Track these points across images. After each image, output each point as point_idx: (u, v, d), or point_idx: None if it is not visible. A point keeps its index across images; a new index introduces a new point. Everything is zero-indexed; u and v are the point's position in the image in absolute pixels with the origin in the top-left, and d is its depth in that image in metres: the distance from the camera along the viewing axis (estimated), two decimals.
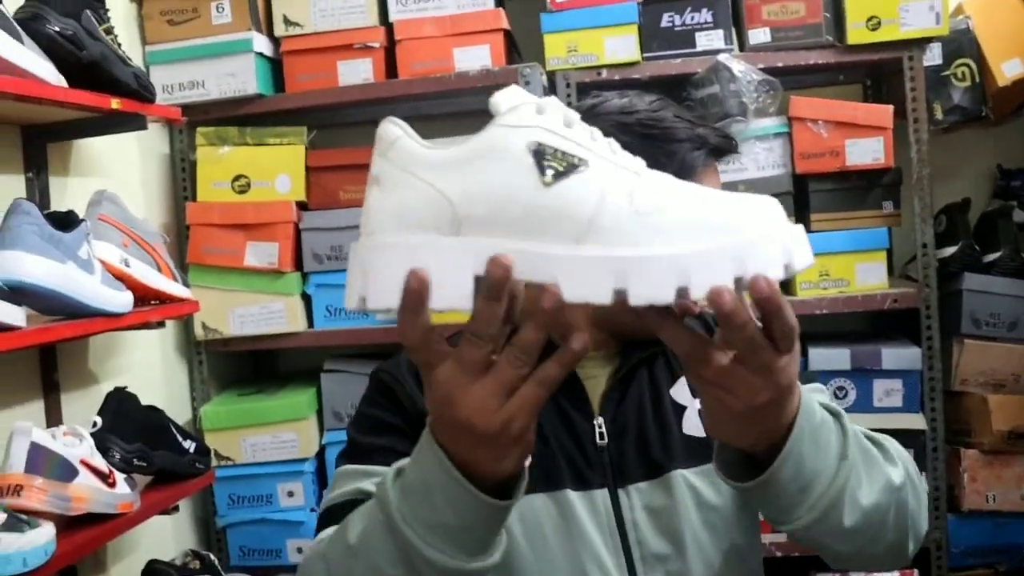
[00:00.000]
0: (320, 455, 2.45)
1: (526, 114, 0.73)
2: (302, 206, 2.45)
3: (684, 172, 1.09)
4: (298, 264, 2.43)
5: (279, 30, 2.44)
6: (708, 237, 0.70)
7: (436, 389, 0.74)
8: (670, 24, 2.39)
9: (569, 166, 0.71)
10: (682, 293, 0.69)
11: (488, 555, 0.80)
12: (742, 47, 2.43)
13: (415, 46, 2.40)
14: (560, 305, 0.69)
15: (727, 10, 2.40)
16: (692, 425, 1.15)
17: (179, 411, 2.39)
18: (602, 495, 1.09)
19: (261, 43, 2.41)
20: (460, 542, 0.78)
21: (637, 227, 0.70)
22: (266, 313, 2.39)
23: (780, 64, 2.38)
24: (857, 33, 2.36)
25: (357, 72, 2.42)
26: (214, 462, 2.33)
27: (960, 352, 2.45)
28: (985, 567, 2.46)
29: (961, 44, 2.51)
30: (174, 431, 2.01)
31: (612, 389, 1.14)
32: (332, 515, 1.00)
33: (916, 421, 2.37)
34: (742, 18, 2.41)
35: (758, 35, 2.40)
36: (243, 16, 2.38)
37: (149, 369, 2.31)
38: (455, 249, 0.71)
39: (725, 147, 1.15)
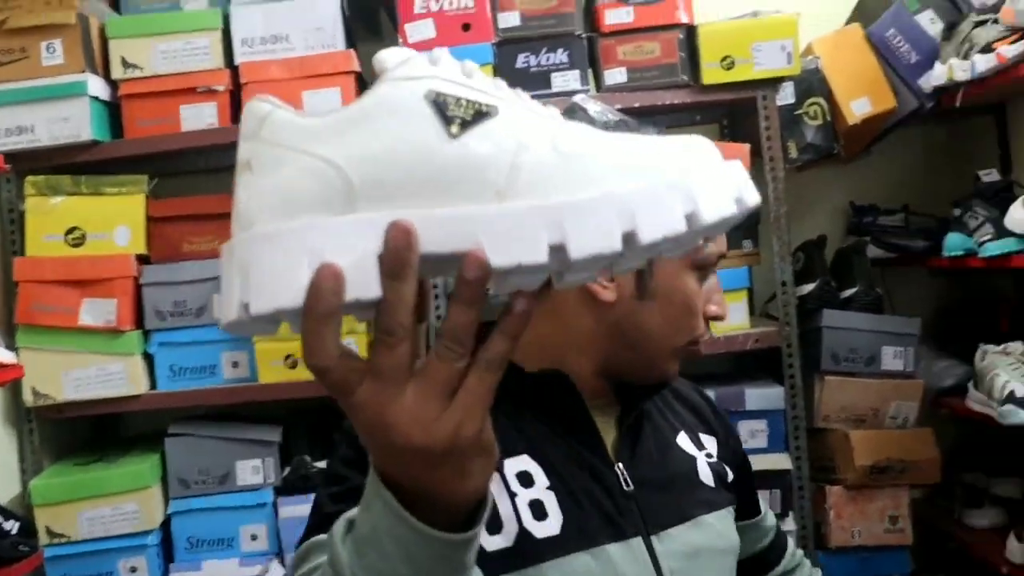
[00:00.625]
0: (165, 526, 2.29)
1: (419, 65, 0.61)
2: (143, 259, 2.30)
3: None
4: (139, 322, 2.28)
5: (117, 72, 2.31)
6: (649, 175, 0.60)
7: (360, 415, 0.59)
8: (525, 65, 2.35)
9: (476, 114, 0.60)
10: (630, 239, 0.58)
11: None
12: (599, 87, 2.41)
13: (262, 89, 2.28)
14: (485, 272, 0.57)
15: (583, 51, 2.37)
16: (704, 474, 1.17)
17: (7, 485, 2.21)
18: (638, 543, 1.05)
19: (97, 86, 2.27)
20: None
21: (566, 172, 0.60)
22: (104, 375, 2.23)
23: (637, 104, 2.36)
24: (712, 73, 2.36)
25: (201, 116, 2.30)
26: (45, 540, 2.16)
27: (821, 389, 2.46)
28: None
29: (812, 83, 2.54)
30: None
31: (624, 435, 1.13)
32: None
33: (781, 461, 2.36)
34: (598, 59, 2.39)
35: (614, 75, 2.38)
36: (76, 57, 2.24)
37: None
38: (353, 227, 0.58)
39: None
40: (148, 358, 2.29)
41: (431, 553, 0.62)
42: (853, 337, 2.47)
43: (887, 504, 2.45)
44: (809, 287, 2.52)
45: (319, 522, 0.95)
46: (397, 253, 0.56)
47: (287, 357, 2.22)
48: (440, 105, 0.60)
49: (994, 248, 2.23)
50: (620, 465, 1.09)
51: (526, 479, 1.04)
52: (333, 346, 0.56)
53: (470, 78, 0.62)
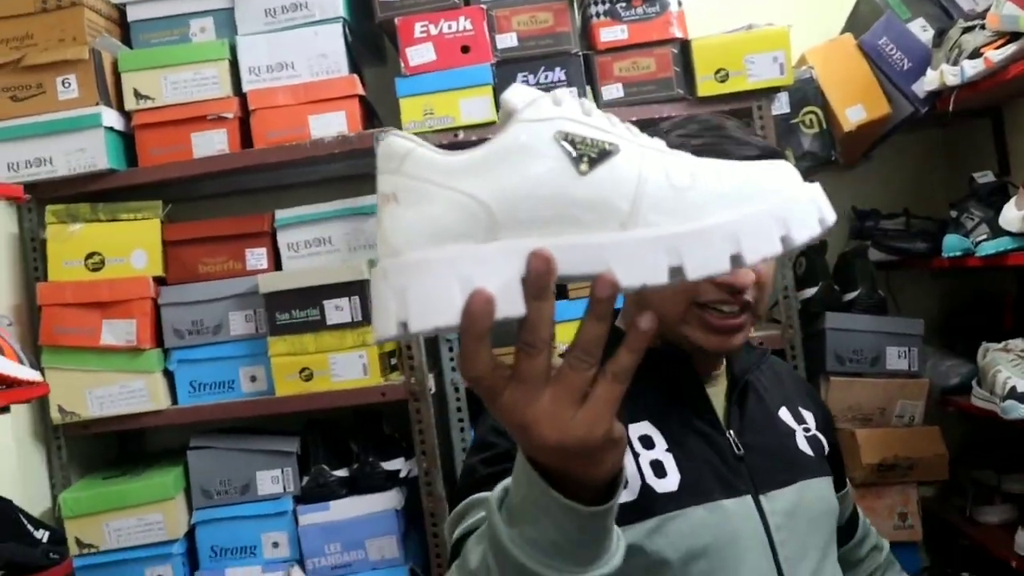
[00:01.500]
0: (190, 535, 2.37)
1: (545, 107, 0.70)
2: (160, 281, 2.39)
3: None
4: (158, 341, 2.36)
5: (130, 104, 2.40)
6: (747, 203, 0.69)
7: (507, 416, 0.68)
8: (524, 84, 2.42)
9: (602, 152, 0.68)
10: (736, 260, 0.68)
11: (602, 564, 0.76)
12: (597, 103, 2.47)
13: (269, 115, 2.38)
14: (615, 292, 0.66)
15: (580, 68, 2.44)
16: (804, 444, 1.28)
17: (38, 499, 2.29)
18: (748, 501, 1.16)
19: (111, 117, 2.37)
20: (570, 556, 0.74)
21: (679, 203, 0.69)
22: (126, 392, 2.31)
23: (634, 118, 2.42)
24: (706, 85, 2.42)
25: (211, 143, 2.39)
26: (76, 550, 2.23)
27: (827, 389, 2.50)
28: None
29: (807, 93, 2.60)
30: (23, 520, 1.92)
31: (732, 406, 1.24)
32: (464, 545, 0.96)
33: None
34: (595, 75, 2.46)
35: (611, 91, 2.44)
36: (91, 90, 2.33)
37: (2, 457, 2.21)
38: (498, 255, 0.66)
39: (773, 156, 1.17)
40: (168, 375, 2.37)
41: (576, 522, 0.72)
42: (856, 338, 2.52)
43: (896, 501, 2.49)
44: (811, 291, 2.56)
45: (472, 483, 1.07)
46: (539, 277, 0.64)
47: (302, 370, 2.30)
48: (569, 144, 0.68)
49: (989, 247, 2.27)
50: (731, 432, 1.21)
51: (647, 442, 1.17)
52: (487, 359, 0.66)
53: (589, 116, 0.71)
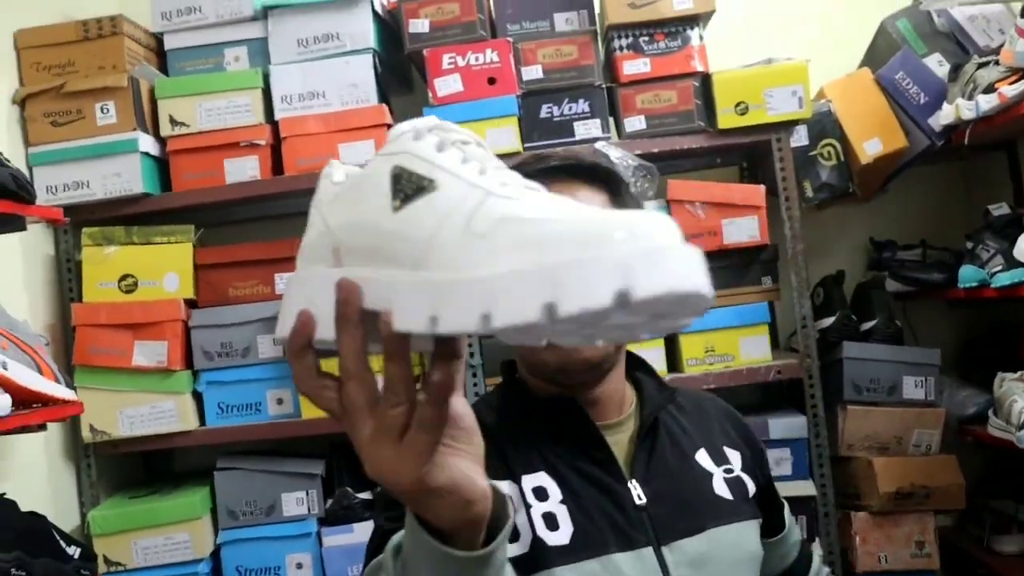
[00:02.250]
0: (215, 555, 2.40)
1: (402, 141, 0.69)
2: (191, 304, 2.44)
3: None
4: (188, 362, 2.41)
5: (165, 130, 2.47)
6: (536, 257, 0.59)
7: (355, 443, 0.67)
8: (549, 115, 2.48)
9: (417, 189, 0.66)
10: (485, 320, 0.59)
11: None
12: (619, 135, 2.53)
13: (300, 143, 2.44)
14: (392, 333, 0.63)
15: (603, 100, 2.50)
16: (721, 488, 1.21)
17: (67, 516, 2.33)
18: (648, 553, 1.11)
19: (147, 143, 2.43)
20: None
21: (465, 250, 0.63)
22: (156, 413, 2.36)
23: (656, 149, 2.48)
24: (727, 118, 2.47)
25: (243, 170, 2.45)
26: (104, 568, 2.27)
27: (844, 418, 2.53)
28: None
29: (825, 126, 2.65)
30: (57, 537, 1.96)
31: (638, 452, 1.19)
32: None
33: (806, 488, 2.42)
34: (618, 107, 2.51)
35: (633, 123, 2.50)
36: (128, 117, 2.40)
37: (33, 474, 2.25)
38: (330, 279, 0.67)
39: (539, 167, 1.17)
40: (197, 396, 2.42)
41: (454, 569, 0.71)
42: (874, 368, 2.54)
43: (913, 529, 2.50)
44: (829, 321, 2.60)
45: (380, 544, 1.02)
46: (341, 304, 0.65)
47: None
48: (396, 180, 0.67)
49: (1004, 279, 2.31)
50: (634, 480, 1.16)
51: (541, 493, 1.14)
52: (307, 376, 0.67)
53: (441, 152, 0.68)
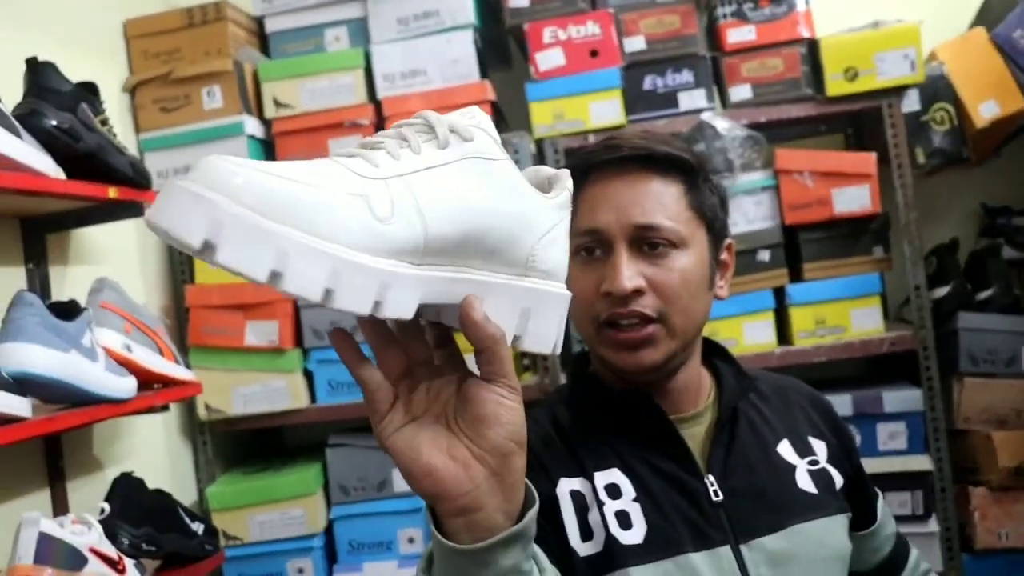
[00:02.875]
0: (328, 530, 2.44)
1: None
2: None
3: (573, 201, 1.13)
4: (298, 341, 2.44)
5: (270, 112, 2.49)
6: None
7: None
8: (652, 87, 2.45)
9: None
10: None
11: None
12: (724, 104, 2.48)
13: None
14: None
15: (707, 70, 2.45)
16: (805, 481, 1.17)
17: (185, 493, 2.39)
18: (726, 552, 1.08)
19: (252, 125, 2.46)
20: None
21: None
22: (268, 391, 2.40)
23: (763, 119, 2.42)
24: (836, 85, 2.41)
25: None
26: (222, 542, 2.32)
27: (960, 390, 2.46)
28: None
29: (938, 89, 2.56)
30: (182, 513, 2.01)
31: (715, 446, 1.15)
32: None
33: (922, 462, 2.37)
34: (723, 76, 2.47)
35: (739, 92, 2.45)
36: (234, 100, 2.43)
37: (154, 452, 2.32)
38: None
39: (603, 157, 1.15)
40: (308, 374, 2.45)
41: (450, 563, 0.73)
42: (991, 338, 2.47)
43: None
44: (943, 290, 2.52)
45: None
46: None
47: None
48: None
49: None
50: (711, 476, 1.13)
51: (614, 491, 1.11)
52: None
53: (418, 154, 0.70)
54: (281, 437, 2.88)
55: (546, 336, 0.76)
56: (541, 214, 0.76)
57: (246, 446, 2.75)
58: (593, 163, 1.15)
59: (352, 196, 0.64)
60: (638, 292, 1.10)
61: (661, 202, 1.13)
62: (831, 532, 1.14)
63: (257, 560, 2.38)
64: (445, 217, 0.68)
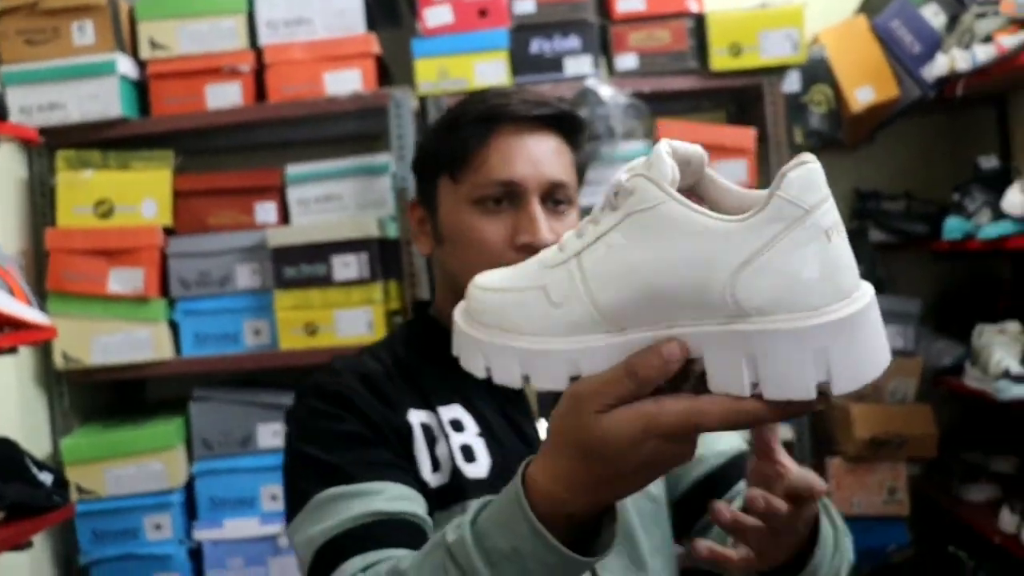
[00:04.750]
0: (189, 485, 2.38)
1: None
2: (168, 231, 2.39)
3: (461, 152, 1.14)
4: (164, 291, 2.36)
5: (145, 53, 2.40)
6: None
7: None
8: (539, 50, 2.43)
9: None
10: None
11: None
12: (610, 73, 2.49)
13: (285, 70, 2.38)
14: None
15: (595, 37, 2.45)
16: None
17: (39, 444, 2.30)
18: None
19: (126, 65, 2.36)
20: None
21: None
22: (131, 341, 2.32)
23: (647, 89, 2.44)
24: (720, 60, 2.44)
25: (225, 96, 2.39)
26: (76, 496, 2.24)
27: None
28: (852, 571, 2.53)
29: (818, 71, 2.61)
30: (28, 463, 1.93)
31: (544, 393, 1.16)
32: (331, 552, 0.98)
33: (784, 432, 2.43)
34: (610, 45, 2.47)
35: (625, 61, 2.46)
36: (107, 37, 2.32)
37: (3, 399, 2.21)
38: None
39: (520, 112, 1.14)
40: (173, 326, 2.38)
41: (566, 569, 0.75)
42: None
43: (886, 476, 2.53)
44: None
45: (317, 473, 1.05)
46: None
47: (307, 325, 2.31)
48: None
49: (991, 231, 2.30)
50: (543, 419, 1.16)
51: (458, 425, 1.13)
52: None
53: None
54: (144, 390, 2.79)
55: (792, 381, 0.64)
56: (729, 246, 0.65)
57: (107, 398, 2.65)
58: (510, 115, 1.15)
59: (533, 289, 0.74)
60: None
61: (563, 160, 1.17)
62: None
63: (113, 515, 2.31)
64: (610, 286, 0.69)
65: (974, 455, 2.70)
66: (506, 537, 0.75)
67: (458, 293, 1.18)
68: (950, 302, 2.88)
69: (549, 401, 1.15)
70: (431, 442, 1.11)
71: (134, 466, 2.30)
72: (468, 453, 1.11)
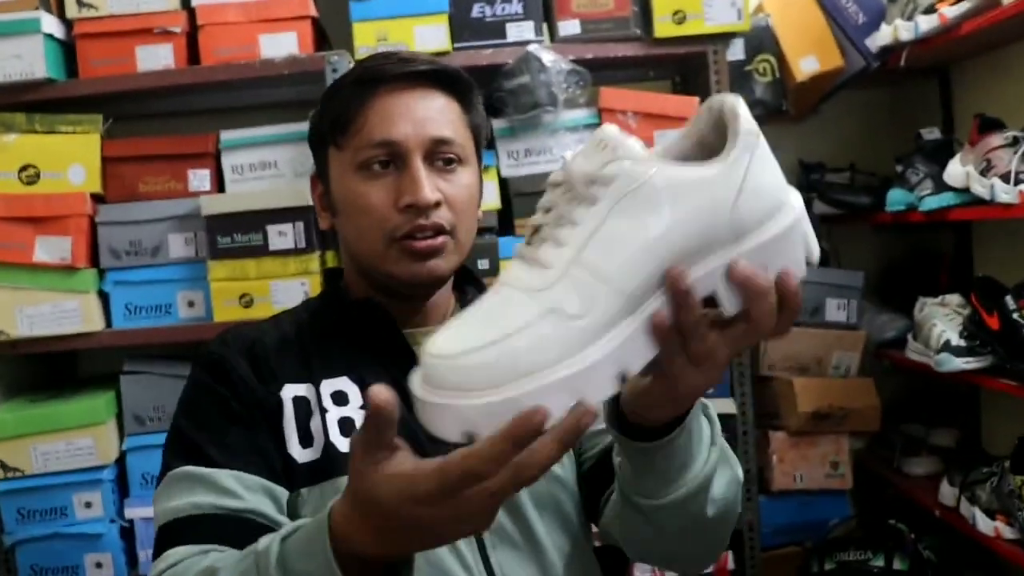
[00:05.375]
0: (120, 461, 2.31)
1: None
2: (98, 198, 2.31)
3: (340, 119, 1.13)
4: (94, 260, 2.28)
5: (71, 11, 2.29)
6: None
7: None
8: (480, 15, 2.38)
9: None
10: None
11: None
12: (553, 38, 2.44)
13: (219, 32, 2.30)
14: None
15: (537, 2, 2.40)
16: None
17: None
18: None
19: (51, 24, 2.26)
20: None
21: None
22: (59, 312, 2.24)
23: (590, 56, 2.40)
24: (664, 27, 2.40)
25: (157, 58, 2.30)
26: (1, 474, 2.16)
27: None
28: (794, 544, 2.54)
29: (762, 40, 2.60)
30: None
31: None
32: (172, 535, 1.00)
33: (727, 406, 2.42)
34: (552, 10, 2.42)
35: (568, 27, 2.41)
36: None
37: None
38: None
39: (393, 71, 1.13)
40: (103, 296, 2.30)
41: None
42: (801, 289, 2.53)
43: (828, 450, 2.53)
44: None
45: (179, 445, 1.08)
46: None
47: (242, 296, 2.25)
48: None
49: (933, 202, 2.31)
50: None
51: (341, 398, 1.12)
52: None
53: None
54: (75, 363, 2.70)
55: (799, 261, 0.77)
56: (718, 186, 0.73)
57: (35, 372, 2.55)
58: (385, 76, 1.13)
59: (542, 317, 0.70)
60: (437, 204, 1.11)
61: (449, 118, 1.15)
62: None
63: (40, 493, 2.22)
64: (631, 270, 0.71)
65: (915, 427, 2.72)
66: (304, 563, 0.79)
67: (359, 263, 1.19)
68: (894, 275, 2.89)
69: None
70: (305, 416, 1.10)
71: (63, 442, 2.22)
72: (347, 426, 1.09)
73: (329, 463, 1.07)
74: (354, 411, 1.11)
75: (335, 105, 1.15)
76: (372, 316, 1.16)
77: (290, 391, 1.11)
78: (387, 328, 1.16)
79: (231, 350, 1.12)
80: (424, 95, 1.14)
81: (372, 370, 1.12)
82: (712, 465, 0.95)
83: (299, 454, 1.08)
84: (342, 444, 1.08)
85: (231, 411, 1.08)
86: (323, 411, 1.10)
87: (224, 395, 1.09)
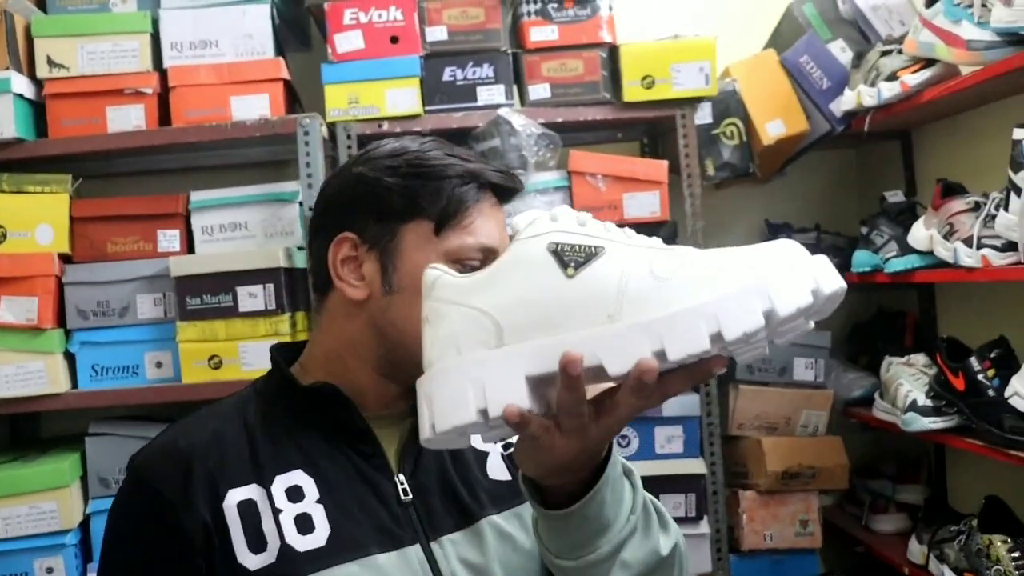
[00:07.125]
0: (84, 525, 2.27)
1: (541, 224, 0.81)
2: (65, 259, 2.30)
3: (454, 208, 1.08)
4: (60, 321, 2.26)
5: (42, 71, 2.30)
6: (726, 282, 0.75)
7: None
8: (452, 78, 2.41)
9: (588, 255, 0.79)
10: (716, 338, 0.73)
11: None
12: (523, 102, 2.47)
13: (190, 93, 2.31)
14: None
15: (508, 66, 2.44)
16: (496, 470, 1.16)
17: None
18: (415, 551, 1.05)
19: (21, 84, 2.26)
20: None
21: (660, 291, 0.76)
22: (23, 373, 2.21)
23: (560, 119, 2.43)
24: (632, 91, 2.44)
25: (128, 118, 2.31)
26: None
27: (736, 397, 2.55)
28: None
29: (729, 105, 2.64)
30: None
31: (407, 443, 1.11)
32: None
33: (697, 466, 2.43)
34: (523, 74, 2.46)
35: (538, 91, 2.44)
36: (0, 54, 2.23)
37: None
38: (503, 358, 0.79)
39: (500, 181, 1.11)
40: (69, 357, 2.28)
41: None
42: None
43: (798, 508, 2.54)
44: None
45: None
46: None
47: (211, 358, 2.23)
48: (558, 253, 0.80)
49: (898, 264, 2.34)
50: (401, 475, 1.09)
51: (296, 494, 1.06)
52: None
53: (584, 226, 0.81)
54: (38, 425, 2.67)
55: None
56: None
57: None
58: (495, 183, 1.11)
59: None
60: None
61: None
62: (527, 518, 1.11)
63: (0, 559, 2.18)
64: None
65: (883, 484, 2.74)
66: None
67: (390, 346, 1.10)
68: (860, 333, 2.92)
69: (412, 453, 1.11)
70: (254, 520, 1.03)
71: (25, 506, 2.18)
72: (304, 523, 1.04)
73: (285, 565, 1.01)
74: (310, 505, 1.05)
75: (444, 190, 1.08)
76: (329, 402, 1.09)
77: (234, 497, 1.04)
78: (346, 413, 1.09)
79: (160, 471, 1.05)
80: (501, 209, 1.14)
81: (330, 459, 1.08)
82: (626, 534, 0.94)
83: (251, 561, 1.02)
84: (300, 543, 1.02)
85: (162, 554, 1.03)
86: (276, 512, 1.04)
87: (148, 537, 1.04)
